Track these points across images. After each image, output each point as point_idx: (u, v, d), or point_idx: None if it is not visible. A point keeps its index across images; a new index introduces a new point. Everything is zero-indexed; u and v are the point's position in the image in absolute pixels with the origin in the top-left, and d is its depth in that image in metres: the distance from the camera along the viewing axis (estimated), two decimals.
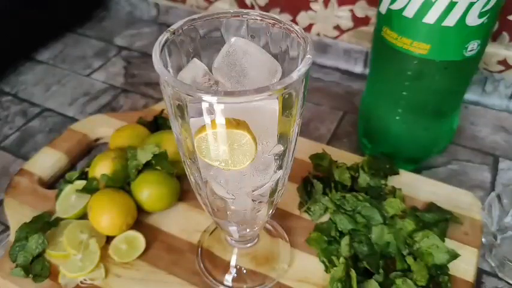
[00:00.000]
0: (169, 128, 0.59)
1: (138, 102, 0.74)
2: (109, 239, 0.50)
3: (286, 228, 0.52)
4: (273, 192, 0.39)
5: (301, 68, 0.30)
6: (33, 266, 0.48)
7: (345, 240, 0.48)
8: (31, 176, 0.58)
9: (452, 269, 0.47)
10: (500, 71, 0.71)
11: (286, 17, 0.80)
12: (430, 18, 0.46)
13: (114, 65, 0.83)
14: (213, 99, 0.29)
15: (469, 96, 0.73)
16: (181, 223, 0.53)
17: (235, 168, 0.33)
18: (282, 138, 0.34)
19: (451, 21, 0.45)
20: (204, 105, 0.30)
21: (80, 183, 0.54)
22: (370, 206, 0.50)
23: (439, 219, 0.51)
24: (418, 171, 0.60)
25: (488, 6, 0.45)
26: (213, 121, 0.30)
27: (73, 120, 0.71)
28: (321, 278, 0.47)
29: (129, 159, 0.54)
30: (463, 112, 0.71)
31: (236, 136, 0.31)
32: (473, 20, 0.45)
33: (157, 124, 0.63)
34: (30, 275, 0.47)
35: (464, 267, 0.48)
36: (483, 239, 0.52)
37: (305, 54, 0.32)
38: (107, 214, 0.49)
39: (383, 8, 0.50)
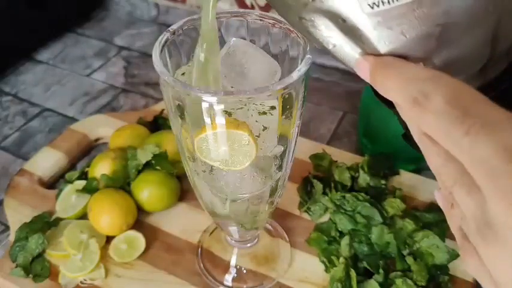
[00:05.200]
0: (169, 128, 0.59)
1: (138, 102, 0.74)
2: (109, 239, 0.50)
3: (286, 228, 0.52)
4: (273, 192, 0.39)
5: (301, 68, 0.30)
6: (33, 266, 0.48)
7: (345, 240, 0.48)
8: (31, 176, 0.58)
9: (452, 269, 0.47)
10: None
11: None
12: None
13: (114, 65, 0.83)
14: (213, 99, 0.29)
15: None
16: (181, 223, 0.53)
17: (235, 169, 0.33)
18: (282, 139, 0.34)
19: None
20: (204, 105, 0.30)
21: (80, 183, 0.54)
22: (370, 206, 0.50)
23: (439, 219, 0.51)
24: (418, 171, 0.59)
25: None
26: (213, 122, 0.30)
27: (73, 120, 0.71)
28: (321, 278, 0.47)
29: (129, 159, 0.54)
30: None
31: (236, 136, 0.31)
32: None
33: (157, 124, 0.63)
34: (30, 275, 0.47)
35: (464, 267, 0.48)
36: None
37: (305, 54, 0.32)
38: (107, 214, 0.49)
39: None
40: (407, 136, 0.24)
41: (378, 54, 0.23)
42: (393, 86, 0.21)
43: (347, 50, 0.24)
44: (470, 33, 0.22)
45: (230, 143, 0.31)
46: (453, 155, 0.19)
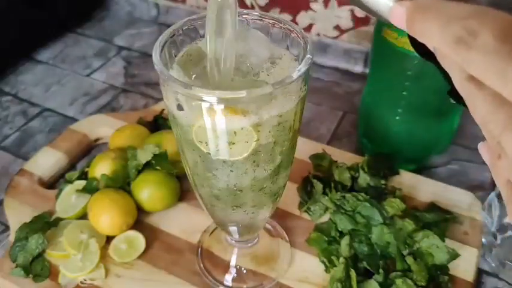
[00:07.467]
0: (169, 128, 0.59)
1: (138, 102, 0.74)
2: (109, 239, 0.50)
3: (286, 228, 0.52)
4: (273, 192, 0.39)
5: (301, 68, 0.30)
6: (33, 266, 0.48)
7: (345, 240, 0.48)
8: (31, 176, 0.58)
9: (452, 269, 0.47)
10: None
11: (286, 17, 0.80)
12: None
13: (114, 65, 0.83)
14: (213, 98, 0.29)
15: None
16: (181, 223, 0.53)
17: (235, 159, 0.33)
18: None
19: None
20: (204, 105, 0.30)
21: (80, 183, 0.54)
22: (370, 206, 0.50)
23: (439, 219, 0.51)
24: (418, 171, 0.59)
25: None
26: (211, 111, 0.30)
27: (73, 120, 0.71)
28: (321, 278, 0.47)
29: (129, 159, 0.54)
30: (463, 112, 0.71)
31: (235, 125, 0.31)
32: None
33: (157, 124, 0.63)
34: (30, 275, 0.47)
35: (464, 267, 0.48)
36: (483, 239, 0.52)
37: (305, 54, 0.32)
38: (107, 214, 0.49)
39: None
40: (453, 92, 0.22)
41: None
42: (433, 29, 0.19)
43: None
44: None
45: (229, 132, 0.31)
46: (504, 96, 0.18)
